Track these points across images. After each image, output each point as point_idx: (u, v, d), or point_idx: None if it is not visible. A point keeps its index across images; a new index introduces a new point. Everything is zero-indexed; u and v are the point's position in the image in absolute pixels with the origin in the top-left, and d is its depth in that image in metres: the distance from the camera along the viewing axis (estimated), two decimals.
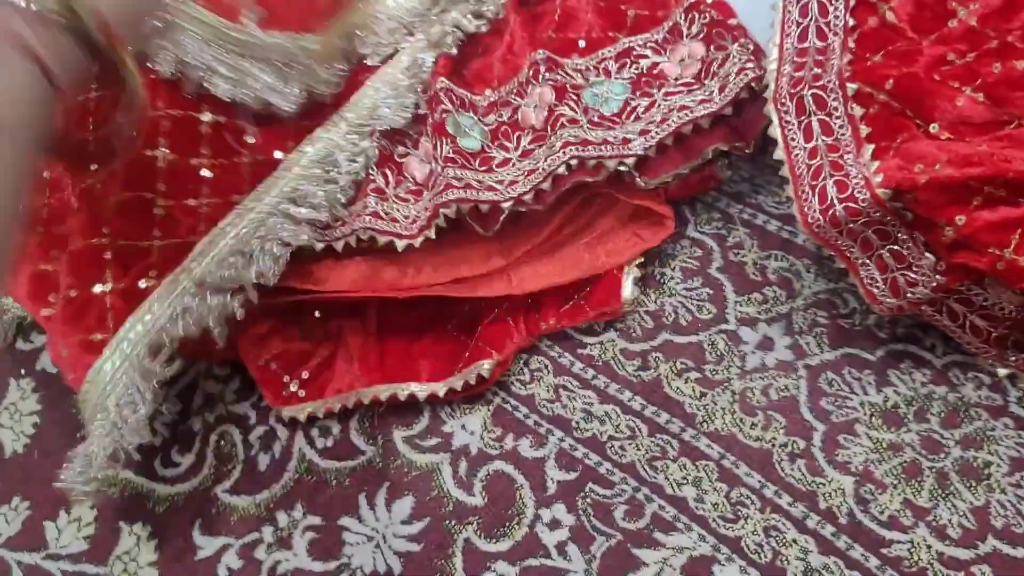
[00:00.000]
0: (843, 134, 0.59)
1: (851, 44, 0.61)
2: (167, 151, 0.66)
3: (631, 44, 0.69)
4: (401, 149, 0.72)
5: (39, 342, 0.80)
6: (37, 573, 0.71)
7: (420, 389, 0.68)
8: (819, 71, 0.62)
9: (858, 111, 0.60)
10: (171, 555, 0.69)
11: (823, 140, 0.61)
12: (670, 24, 0.69)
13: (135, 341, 0.64)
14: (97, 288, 0.65)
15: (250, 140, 0.69)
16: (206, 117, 0.68)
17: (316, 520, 0.67)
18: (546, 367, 0.69)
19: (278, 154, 0.69)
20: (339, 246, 0.68)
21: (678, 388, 0.65)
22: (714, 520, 0.61)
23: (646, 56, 0.69)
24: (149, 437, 0.65)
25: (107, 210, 0.64)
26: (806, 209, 0.60)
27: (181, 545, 0.69)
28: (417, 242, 0.67)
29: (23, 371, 0.79)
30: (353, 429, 0.71)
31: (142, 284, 0.65)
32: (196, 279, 0.65)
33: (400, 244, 0.67)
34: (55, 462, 0.73)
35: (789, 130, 0.62)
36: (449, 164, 0.67)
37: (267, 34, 0.66)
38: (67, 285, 0.65)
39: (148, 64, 0.63)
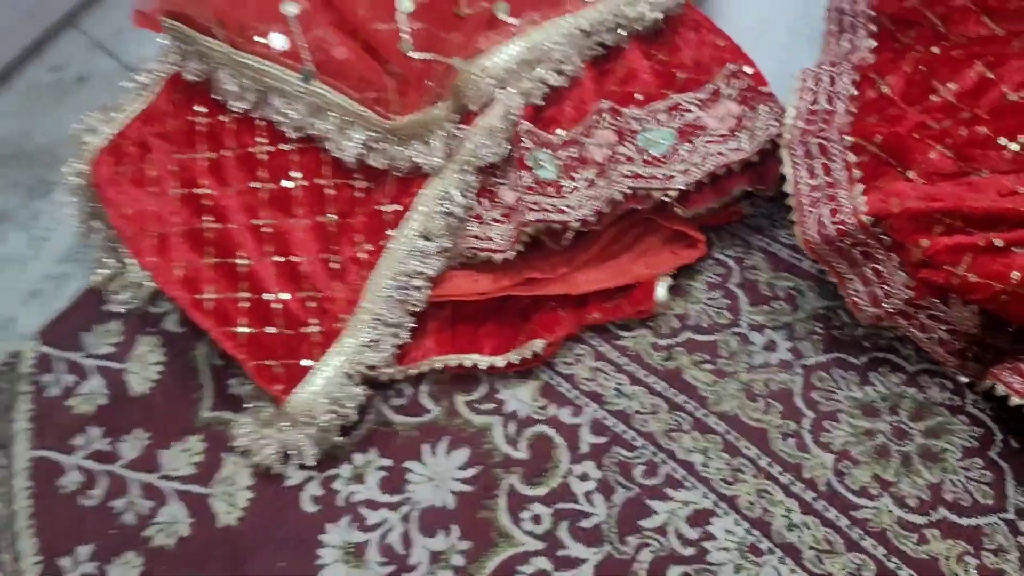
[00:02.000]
0: (840, 175, 0.74)
1: (853, 109, 0.77)
2: (334, 216, 0.85)
3: (680, 100, 0.85)
4: (493, 180, 0.88)
5: (165, 308, 0.95)
6: (151, 490, 0.85)
7: (482, 360, 0.83)
8: (824, 127, 0.77)
9: (852, 158, 0.75)
10: (264, 481, 0.83)
11: (824, 179, 0.75)
12: (712, 87, 0.85)
13: (336, 366, 0.82)
14: (305, 330, 0.84)
15: (388, 196, 0.88)
16: (358, 184, 0.86)
17: (386, 462, 0.81)
18: (587, 352, 0.84)
19: (408, 200, 0.86)
20: (456, 264, 0.86)
21: (695, 376, 0.79)
22: (716, 481, 0.74)
23: (691, 110, 0.84)
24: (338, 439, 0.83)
25: None
26: (806, 228, 0.74)
27: (273, 474, 0.83)
28: (511, 255, 0.83)
29: (151, 329, 0.95)
30: (423, 392, 0.85)
31: (336, 325, 0.84)
32: (373, 314, 0.83)
33: (498, 258, 0.83)
34: (172, 403, 0.89)
35: (797, 169, 0.77)
36: (530, 192, 0.83)
37: (408, 118, 0.84)
38: (284, 325, 0.84)
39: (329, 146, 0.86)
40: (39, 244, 1.07)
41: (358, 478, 0.81)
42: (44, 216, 1.09)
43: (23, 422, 0.91)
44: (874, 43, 0.84)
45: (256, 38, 0.87)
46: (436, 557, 0.76)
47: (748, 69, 0.85)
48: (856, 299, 0.73)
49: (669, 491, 0.74)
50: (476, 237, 0.85)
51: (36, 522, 0.85)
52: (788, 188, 0.75)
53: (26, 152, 1.17)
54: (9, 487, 0.88)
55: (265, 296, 0.84)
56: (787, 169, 0.75)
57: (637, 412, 0.79)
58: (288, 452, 0.81)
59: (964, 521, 0.69)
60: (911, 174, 0.71)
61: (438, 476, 0.79)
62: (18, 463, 0.89)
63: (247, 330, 0.83)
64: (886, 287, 0.71)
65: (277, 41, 0.86)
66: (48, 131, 1.18)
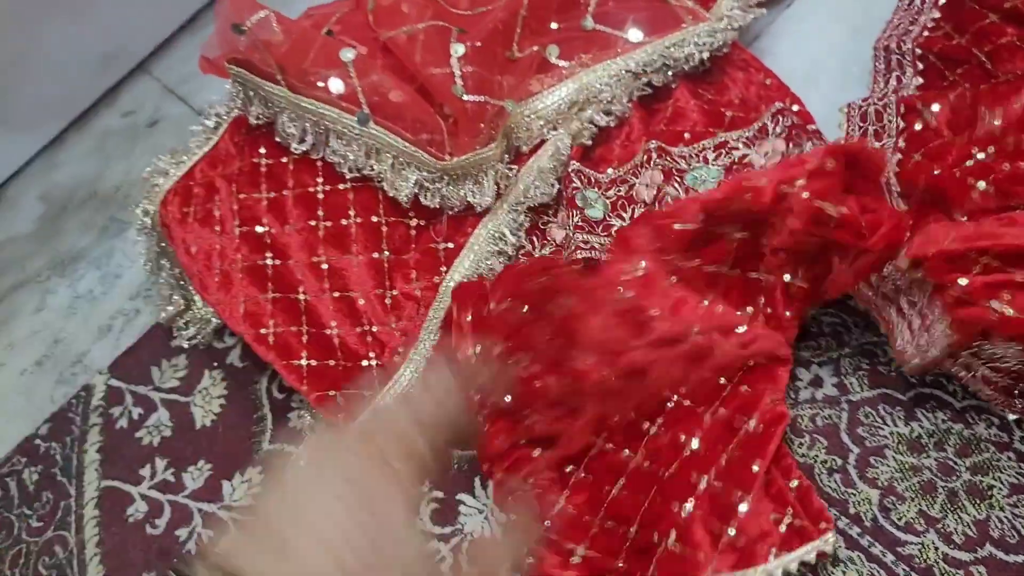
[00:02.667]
0: None
1: (901, 144, 0.78)
2: (389, 253, 0.88)
3: (727, 138, 0.87)
4: (544, 219, 0.91)
5: (229, 343, 0.99)
6: (213, 519, 0.88)
7: None
8: None
9: (901, 205, 0.76)
10: None
11: None
12: (759, 125, 0.86)
13: (393, 397, 0.86)
14: (364, 363, 0.87)
15: (441, 235, 0.91)
16: (412, 222, 0.89)
17: (438, 494, 0.83)
18: None
19: (462, 239, 0.89)
20: None
21: None
22: None
23: (738, 148, 0.86)
24: None
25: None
26: None
27: None
28: None
29: (215, 363, 0.98)
30: None
31: (396, 359, 0.87)
32: (425, 353, 0.86)
33: None
34: (235, 435, 0.92)
35: None
36: (578, 231, 0.85)
37: (461, 159, 0.87)
38: (344, 358, 0.87)
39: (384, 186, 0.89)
40: (111, 281, 1.12)
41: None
42: (117, 254, 1.14)
43: (93, 453, 0.96)
44: (921, 80, 0.85)
45: (316, 83, 0.91)
46: None
47: (795, 107, 0.86)
48: (901, 349, 0.73)
49: None
50: None
51: (103, 550, 0.89)
52: None
53: (100, 193, 1.22)
54: (79, 516, 0.92)
55: (325, 331, 0.87)
56: (830, 211, 0.76)
57: None
58: None
59: (1011, 558, 0.68)
60: (958, 216, 0.72)
61: (488, 508, 0.81)
62: (88, 492, 0.93)
63: (308, 363, 0.86)
64: (928, 335, 0.71)
65: (335, 85, 0.90)
66: (121, 173, 1.24)
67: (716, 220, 0.75)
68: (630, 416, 0.76)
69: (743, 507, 0.70)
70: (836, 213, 0.70)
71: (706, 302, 0.77)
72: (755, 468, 0.72)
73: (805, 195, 0.71)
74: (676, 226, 0.75)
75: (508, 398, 0.75)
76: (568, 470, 0.75)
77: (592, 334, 0.74)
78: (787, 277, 0.76)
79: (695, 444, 0.74)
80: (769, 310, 0.77)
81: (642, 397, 0.76)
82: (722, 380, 0.76)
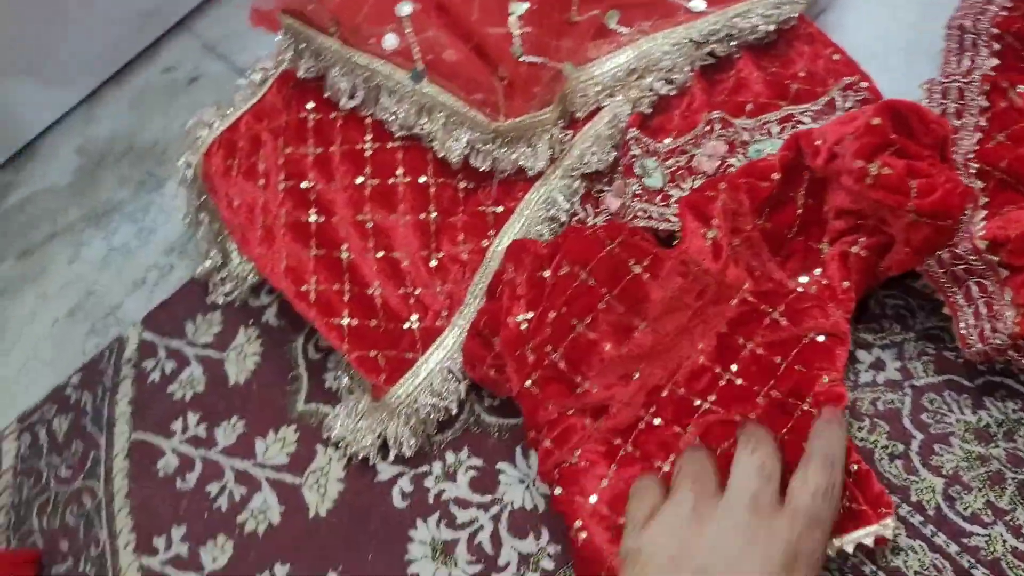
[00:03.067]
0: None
1: (983, 123, 0.74)
2: (436, 215, 0.86)
3: (792, 111, 0.84)
4: (598, 186, 0.88)
5: (265, 301, 0.97)
6: (245, 476, 0.86)
7: None
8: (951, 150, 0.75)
9: (978, 184, 0.73)
10: (355, 474, 0.83)
11: None
12: (827, 99, 0.83)
13: (438, 360, 0.83)
14: (406, 325, 0.84)
15: (491, 198, 0.88)
16: (461, 184, 0.87)
17: (478, 462, 0.81)
18: None
19: (512, 203, 0.86)
20: None
21: None
22: None
23: (804, 122, 0.83)
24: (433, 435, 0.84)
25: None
26: None
27: (364, 468, 0.83)
28: None
29: (251, 321, 0.96)
30: None
31: (439, 323, 0.84)
32: (470, 317, 0.83)
33: None
34: (269, 393, 0.90)
35: None
36: (636, 199, 0.82)
37: (515, 121, 0.85)
38: (385, 319, 0.85)
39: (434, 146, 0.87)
40: (146, 236, 1.10)
41: (449, 476, 0.81)
42: (153, 209, 1.12)
43: (124, 405, 0.94)
44: (996, 61, 0.82)
45: (369, 37, 0.88)
46: (525, 559, 0.75)
47: (863, 83, 0.83)
48: (965, 333, 0.70)
49: None
50: None
51: (132, 502, 0.87)
52: None
53: (138, 148, 1.21)
54: (108, 467, 0.90)
55: (368, 291, 0.85)
56: (871, 169, 0.73)
57: None
58: (385, 443, 0.81)
59: None
60: None
61: (529, 478, 0.78)
62: (118, 444, 0.91)
63: (350, 322, 0.84)
64: (995, 322, 0.68)
65: (389, 41, 0.88)
66: (159, 129, 1.22)
67: (788, 181, 0.72)
68: (679, 392, 0.73)
69: None
70: (876, 171, 0.67)
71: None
72: None
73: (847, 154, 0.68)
74: (760, 183, 0.73)
75: (563, 363, 0.72)
76: (616, 443, 0.72)
77: (657, 305, 0.72)
78: (846, 246, 0.73)
79: None
80: (825, 281, 0.74)
81: (686, 357, 0.73)
82: (777, 359, 0.73)
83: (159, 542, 0.84)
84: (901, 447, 0.72)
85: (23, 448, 0.95)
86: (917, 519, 0.69)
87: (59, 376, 0.99)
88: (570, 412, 0.73)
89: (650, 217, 0.80)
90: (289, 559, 0.80)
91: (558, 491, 0.71)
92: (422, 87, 0.86)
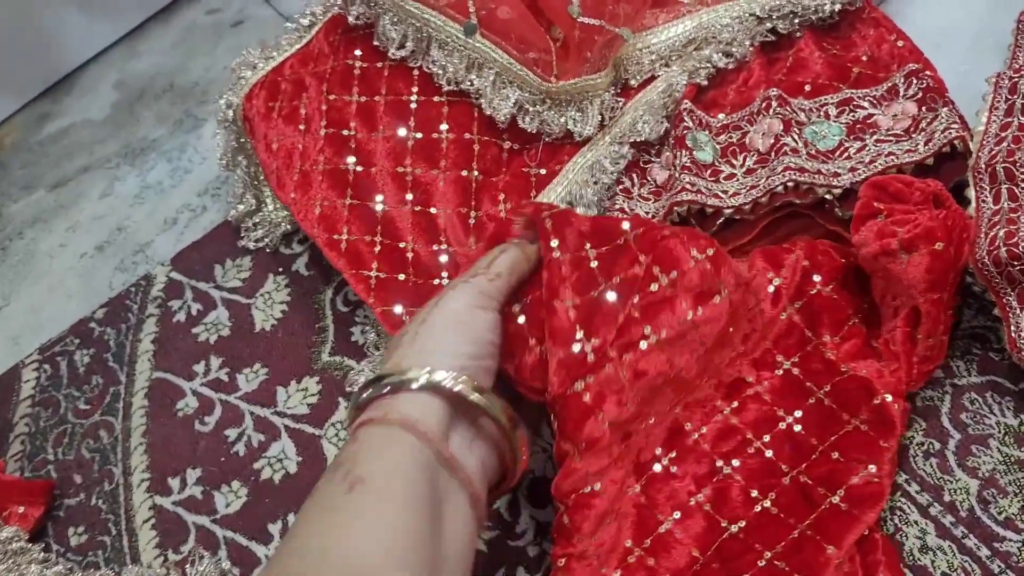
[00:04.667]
0: None
1: None
2: (478, 173, 0.84)
3: (852, 95, 0.81)
4: (646, 157, 0.86)
5: (296, 249, 0.96)
6: (265, 423, 0.85)
7: None
8: (1014, 147, 0.72)
9: None
10: None
11: (1008, 204, 0.71)
12: (889, 84, 0.81)
13: None
14: (436, 281, 0.83)
15: (536, 160, 0.86)
16: (506, 144, 0.85)
17: None
18: None
19: (557, 167, 0.85)
20: None
21: None
22: None
23: (863, 107, 0.80)
24: None
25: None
26: (976, 249, 0.70)
27: None
28: None
29: (280, 269, 0.95)
30: None
31: None
32: None
33: None
34: (294, 343, 0.89)
35: (982, 193, 0.73)
36: (685, 172, 0.80)
37: (567, 83, 0.83)
38: (415, 274, 0.84)
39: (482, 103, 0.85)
40: (181, 176, 1.09)
41: None
42: (189, 149, 1.11)
43: (147, 343, 0.93)
44: None
45: None
46: (543, 528, 0.73)
47: (928, 72, 0.81)
48: (1015, 337, 0.68)
49: None
50: (622, 211, 0.82)
51: (148, 440, 0.86)
52: (970, 212, 0.71)
53: (179, 87, 1.19)
54: (127, 403, 0.89)
55: (400, 244, 0.84)
56: (971, 194, 0.71)
57: None
58: None
59: None
60: None
61: (551, 448, 0.77)
62: (138, 382, 0.90)
63: (378, 274, 0.82)
64: None
65: None
66: (200, 69, 1.21)
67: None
68: (703, 447, 0.69)
69: None
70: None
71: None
72: (829, 552, 0.64)
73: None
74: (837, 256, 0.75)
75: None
76: (627, 480, 0.67)
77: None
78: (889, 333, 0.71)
79: (767, 503, 0.67)
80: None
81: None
82: (814, 441, 0.69)
83: (174, 482, 0.83)
84: (937, 445, 0.70)
85: (43, 378, 0.94)
86: (948, 520, 0.67)
87: (84, 310, 0.99)
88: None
89: (698, 191, 0.78)
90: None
91: (566, 520, 0.63)
92: (474, 41, 0.85)
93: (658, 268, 0.64)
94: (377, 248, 0.84)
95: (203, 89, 1.17)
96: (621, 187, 0.84)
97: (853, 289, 0.74)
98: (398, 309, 0.82)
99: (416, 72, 0.88)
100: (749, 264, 0.73)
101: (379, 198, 0.85)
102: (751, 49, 0.86)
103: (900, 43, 0.85)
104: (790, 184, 0.76)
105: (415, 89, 0.88)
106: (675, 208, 0.78)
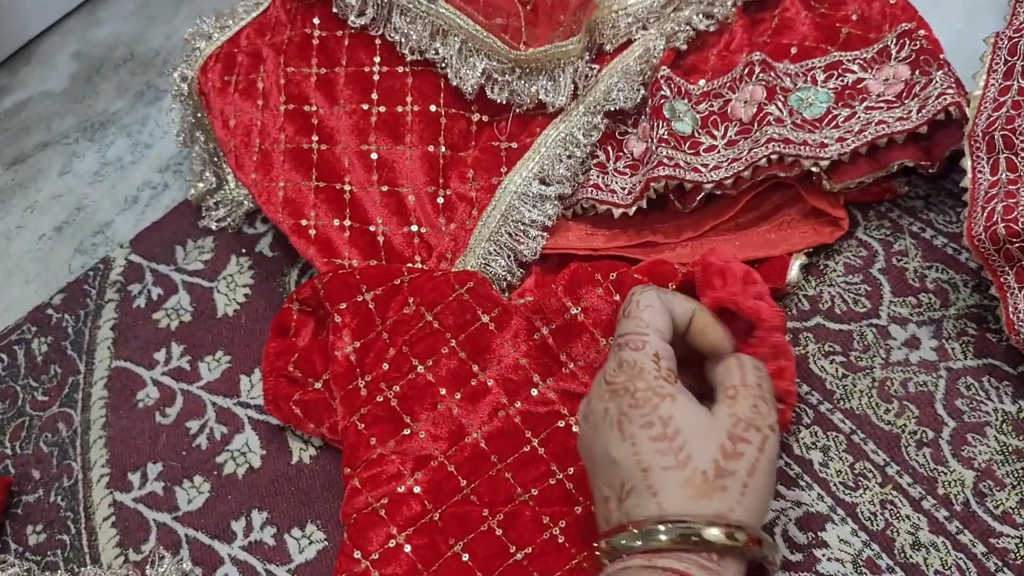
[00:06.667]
0: None
1: None
2: (445, 148, 0.80)
3: (841, 58, 0.76)
4: (622, 128, 0.81)
5: (262, 229, 0.91)
6: (227, 415, 0.81)
7: None
8: (1014, 113, 0.67)
9: None
10: None
11: (1006, 175, 0.66)
12: (880, 46, 0.76)
13: None
14: (409, 265, 0.78)
15: (506, 133, 0.81)
16: (474, 117, 0.81)
17: None
18: None
19: (528, 140, 0.80)
20: (568, 214, 0.79)
21: (822, 367, 0.71)
22: (835, 484, 0.66)
23: (853, 71, 0.75)
24: None
25: None
26: (973, 224, 0.65)
27: None
28: (631, 211, 0.76)
29: (244, 250, 0.91)
30: None
31: (443, 265, 0.79)
32: (475, 262, 0.78)
33: (617, 212, 0.76)
34: (258, 328, 0.85)
35: (978, 163, 0.68)
36: (662, 144, 0.75)
37: (537, 50, 0.78)
38: (388, 258, 0.80)
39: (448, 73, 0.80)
40: (142, 151, 1.04)
41: None
42: (150, 123, 1.06)
43: (107, 330, 0.89)
44: None
45: None
46: None
47: (922, 32, 0.75)
48: (1013, 318, 0.64)
49: (780, 488, 0.67)
50: (597, 187, 0.78)
51: (109, 432, 0.83)
52: (965, 183, 0.66)
53: (139, 56, 1.14)
54: (87, 394, 0.86)
55: (370, 228, 0.79)
56: (967, 164, 0.66)
57: None
58: None
59: None
60: None
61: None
62: (98, 371, 0.87)
63: (350, 262, 0.78)
64: None
65: None
66: (162, 37, 1.16)
67: None
68: (506, 476, 0.68)
69: None
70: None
71: None
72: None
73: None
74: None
75: (396, 402, 0.72)
76: (427, 505, 0.68)
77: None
78: None
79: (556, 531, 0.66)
80: None
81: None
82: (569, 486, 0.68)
83: (134, 478, 0.80)
84: (931, 434, 0.66)
85: (0, 369, 0.90)
86: (942, 514, 0.63)
87: (42, 295, 0.95)
88: (393, 457, 0.69)
89: (676, 165, 0.73)
90: (268, 506, 0.75)
91: (346, 536, 0.68)
92: (438, 6, 0.79)
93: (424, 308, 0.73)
94: (347, 234, 0.80)
95: (164, 59, 1.12)
96: (596, 161, 0.79)
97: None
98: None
99: (378, 41, 0.83)
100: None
101: (346, 179, 0.81)
102: (733, 10, 0.81)
103: (893, 0, 0.79)
104: (774, 157, 0.71)
105: (377, 59, 0.83)
106: (652, 184, 0.73)
